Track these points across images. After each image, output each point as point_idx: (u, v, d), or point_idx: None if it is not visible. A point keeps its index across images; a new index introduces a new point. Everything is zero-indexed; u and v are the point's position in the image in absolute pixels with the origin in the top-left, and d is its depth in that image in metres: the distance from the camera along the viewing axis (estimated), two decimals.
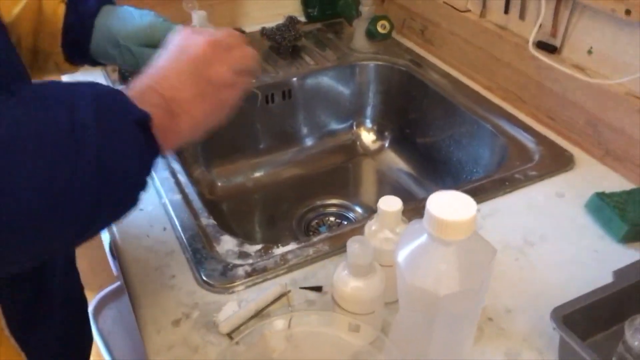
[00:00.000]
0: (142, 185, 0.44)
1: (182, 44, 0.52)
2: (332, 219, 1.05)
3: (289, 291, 0.62)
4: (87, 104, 0.39)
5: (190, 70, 0.49)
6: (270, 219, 1.06)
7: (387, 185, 1.12)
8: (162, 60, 0.51)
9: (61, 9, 0.60)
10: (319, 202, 1.08)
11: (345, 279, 0.53)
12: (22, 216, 0.35)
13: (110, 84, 1.03)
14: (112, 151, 0.39)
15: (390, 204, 0.55)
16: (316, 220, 1.05)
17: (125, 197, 0.43)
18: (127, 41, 0.60)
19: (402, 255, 0.43)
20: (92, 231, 0.42)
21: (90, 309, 1.25)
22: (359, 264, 0.52)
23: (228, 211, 1.03)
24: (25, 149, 0.36)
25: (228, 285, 0.63)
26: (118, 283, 1.25)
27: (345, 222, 1.04)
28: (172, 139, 0.48)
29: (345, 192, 1.10)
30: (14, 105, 0.37)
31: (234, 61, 0.52)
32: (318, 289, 0.63)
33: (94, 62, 0.65)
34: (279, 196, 1.09)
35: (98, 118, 0.39)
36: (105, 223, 0.44)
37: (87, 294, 0.68)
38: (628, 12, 0.72)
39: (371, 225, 0.58)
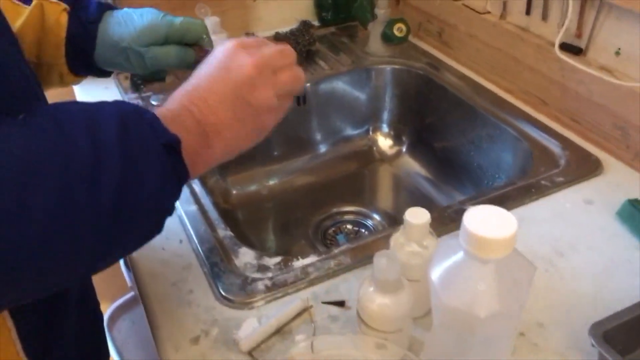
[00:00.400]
0: (167, 212, 0.42)
1: (227, 63, 0.48)
2: (349, 226, 1.03)
3: (311, 306, 0.60)
4: (111, 127, 0.37)
5: (233, 95, 0.46)
6: (286, 227, 1.04)
7: (405, 192, 1.10)
8: (204, 77, 0.47)
9: (64, 18, 0.58)
10: (335, 210, 1.05)
11: (371, 295, 0.51)
12: (40, 247, 0.34)
13: (122, 92, 1.02)
14: (135, 178, 0.37)
15: (418, 216, 0.53)
16: (333, 229, 1.03)
17: (148, 224, 0.41)
18: (132, 43, 0.58)
19: (436, 273, 0.41)
20: (111, 259, 0.40)
21: (104, 320, 1.24)
22: (386, 280, 0.49)
23: (243, 220, 1.01)
24: (44, 179, 0.34)
25: (248, 301, 0.61)
26: (132, 293, 1.24)
27: (363, 230, 1.01)
28: (203, 163, 0.45)
29: (362, 199, 1.08)
30: (33, 129, 0.35)
31: (280, 85, 0.49)
32: (341, 303, 0.61)
33: (99, 72, 0.63)
34: (294, 204, 1.07)
35: (122, 144, 0.37)
36: (127, 251, 0.42)
37: (101, 303, 0.66)
38: None
39: (397, 238, 0.55)
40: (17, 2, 0.56)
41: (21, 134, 0.35)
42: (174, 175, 0.41)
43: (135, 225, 0.39)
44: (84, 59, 0.60)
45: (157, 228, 0.42)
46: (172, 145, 0.40)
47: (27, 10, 0.56)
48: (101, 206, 0.36)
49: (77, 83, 0.65)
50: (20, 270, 0.34)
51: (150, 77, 1.02)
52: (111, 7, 0.62)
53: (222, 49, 0.49)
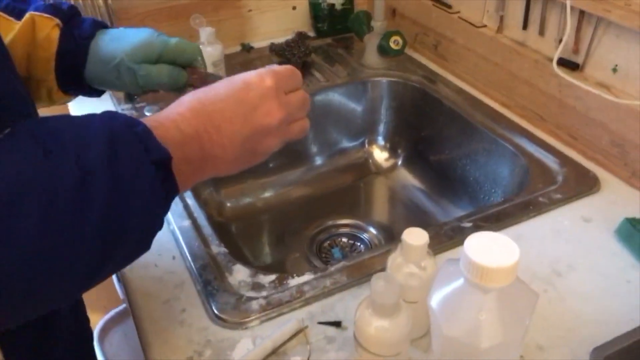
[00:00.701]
0: (155, 229, 0.41)
1: (257, 103, 0.47)
2: (344, 240, 1.02)
3: (306, 327, 0.59)
4: (99, 145, 0.36)
5: (246, 138, 0.46)
6: (281, 240, 1.03)
7: (401, 205, 1.09)
8: (228, 104, 0.46)
9: (55, 33, 0.57)
10: (330, 223, 1.04)
11: (368, 318, 0.49)
12: (26, 273, 0.33)
13: (116, 103, 1.01)
14: (122, 199, 0.36)
15: (416, 236, 0.52)
16: (328, 242, 1.01)
17: (136, 243, 0.40)
18: (125, 59, 0.57)
19: (436, 300, 0.40)
20: (100, 278, 0.38)
21: (95, 332, 1.22)
22: (384, 303, 0.48)
23: (237, 233, 1.00)
24: (28, 205, 0.33)
25: (242, 320, 0.59)
26: (123, 305, 1.22)
27: (359, 244, 1.00)
28: (192, 182, 0.45)
29: (358, 211, 1.07)
30: (16, 153, 0.34)
31: (289, 136, 0.50)
32: (337, 324, 0.59)
33: (89, 91, 0.62)
34: (288, 217, 1.05)
35: (110, 163, 0.36)
36: (115, 269, 0.41)
37: (91, 315, 0.64)
38: None
39: (395, 258, 0.54)
40: (8, 17, 0.55)
41: (3, 158, 0.33)
42: (163, 191, 0.40)
43: (124, 244, 0.38)
44: (74, 76, 0.59)
45: (146, 245, 0.41)
46: (162, 161, 0.39)
47: (18, 25, 0.55)
48: (88, 229, 0.35)
49: (65, 102, 0.62)
50: (7, 296, 0.33)
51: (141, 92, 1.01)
52: (106, 26, 0.61)
53: (258, 82, 0.47)
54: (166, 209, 0.42)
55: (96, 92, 0.62)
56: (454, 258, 0.41)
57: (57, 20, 0.56)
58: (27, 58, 0.56)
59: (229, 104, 0.46)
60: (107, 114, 0.40)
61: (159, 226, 0.41)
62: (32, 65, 0.56)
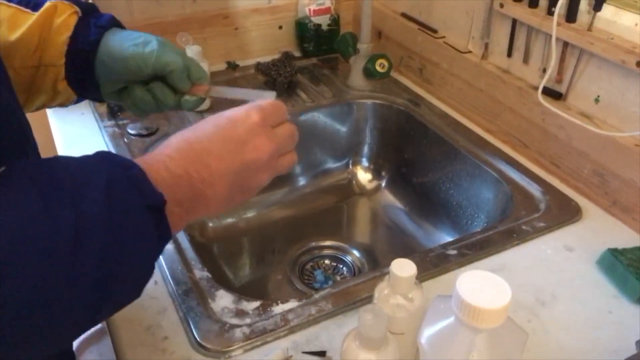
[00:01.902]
0: (148, 276, 0.40)
1: (246, 139, 0.47)
2: (327, 262, 1.01)
3: (291, 356, 0.58)
4: (97, 196, 0.35)
5: (236, 174, 0.46)
6: (262, 261, 1.02)
7: (384, 227, 1.09)
8: (215, 142, 0.45)
9: (73, 19, 0.56)
10: (313, 244, 1.04)
11: (355, 350, 0.49)
12: (18, 322, 0.32)
13: (98, 119, 0.99)
14: (118, 250, 0.36)
15: (404, 268, 0.52)
16: (311, 263, 1.01)
17: (128, 291, 0.39)
18: (135, 48, 0.56)
19: (426, 337, 0.39)
20: (94, 324, 0.38)
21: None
22: (371, 337, 0.48)
23: (219, 254, 0.99)
24: (24, 254, 0.32)
25: (225, 349, 0.58)
26: (99, 325, 1.19)
27: (341, 266, 1.00)
28: (185, 222, 0.44)
29: (340, 233, 1.07)
30: (12, 200, 0.33)
31: (279, 169, 0.50)
32: (322, 354, 0.59)
33: (94, 90, 0.59)
34: (271, 237, 1.05)
35: (107, 214, 0.35)
36: (104, 317, 0.40)
37: None
38: (639, 64, 0.70)
39: (382, 289, 0.54)
40: (24, 9, 0.54)
41: (3, 199, 0.33)
42: (156, 236, 0.39)
43: (118, 290, 0.37)
44: (84, 66, 0.57)
45: (137, 294, 0.40)
46: (156, 206, 0.39)
47: (34, 16, 0.54)
48: (84, 276, 0.34)
49: (66, 100, 0.60)
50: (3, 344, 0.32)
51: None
52: (122, 26, 0.60)
53: (245, 118, 0.47)
54: (159, 253, 0.41)
55: (99, 94, 0.60)
56: (444, 295, 0.41)
57: (77, 8, 0.56)
58: (42, 43, 0.54)
59: (217, 141, 0.45)
60: (102, 155, 0.39)
61: (151, 272, 0.40)
62: (45, 51, 0.55)
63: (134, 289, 0.40)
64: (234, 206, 0.49)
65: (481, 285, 0.37)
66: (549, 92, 0.85)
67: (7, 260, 0.31)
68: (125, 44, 0.56)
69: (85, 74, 0.58)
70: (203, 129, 0.46)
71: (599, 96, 0.80)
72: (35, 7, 0.55)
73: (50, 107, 0.61)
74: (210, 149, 0.45)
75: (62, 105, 0.61)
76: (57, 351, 0.55)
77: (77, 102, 0.62)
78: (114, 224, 0.35)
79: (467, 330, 0.38)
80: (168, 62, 0.56)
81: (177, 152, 0.43)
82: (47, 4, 0.55)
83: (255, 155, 0.46)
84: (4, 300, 0.31)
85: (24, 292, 0.31)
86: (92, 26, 0.56)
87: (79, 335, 0.38)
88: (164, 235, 0.40)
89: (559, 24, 0.78)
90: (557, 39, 0.80)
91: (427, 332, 0.40)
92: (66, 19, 0.55)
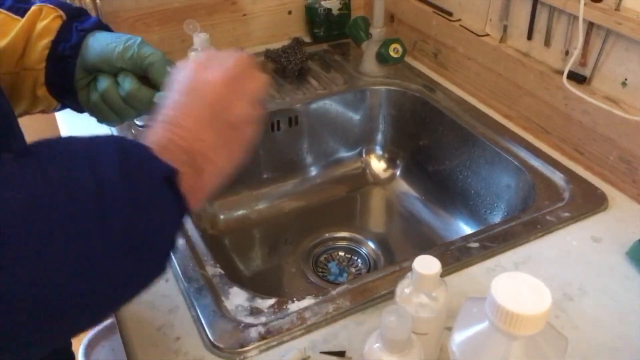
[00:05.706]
0: (171, 247, 0.39)
1: (193, 85, 0.46)
2: (341, 253, 0.99)
3: (309, 357, 0.56)
4: (111, 161, 0.35)
5: (210, 115, 0.44)
6: (275, 253, 1.00)
7: (399, 217, 1.06)
8: (175, 105, 0.45)
9: (56, 24, 0.56)
10: (326, 235, 1.01)
11: (377, 353, 0.46)
12: (52, 293, 0.31)
13: None
14: (142, 215, 0.35)
15: (428, 265, 0.49)
16: (325, 255, 0.98)
17: (155, 262, 0.38)
18: (121, 44, 0.55)
19: (457, 342, 0.37)
20: (117, 306, 0.37)
21: (82, 347, 1.18)
22: (395, 339, 0.45)
23: (231, 247, 0.97)
24: (48, 218, 0.31)
25: (239, 350, 0.56)
26: (110, 320, 1.18)
27: (357, 258, 0.97)
28: (199, 194, 0.43)
29: (354, 224, 1.04)
30: (29, 166, 0.33)
31: (251, 94, 0.47)
32: (341, 354, 0.56)
33: (72, 98, 0.58)
34: (283, 229, 1.02)
35: (124, 177, 0.35)
36: (133, 294, 0.38)
37: None
38: None
39: (404, 288, 0.51)
40: (13, 15, 0.54)
41: (23, 175, 0.32)
42: (177, 211, 0.39)
43: (144, 263, 0.37)
44: (64, 71, 0.56)
45: (163, 266, 0.39)
46: (171, 178, 0.38)
47: (22, 21, 0.54)
48: (111, 241, 0.33)
49: (44, 107, 0.59)
50: (29, 322, 0.31)
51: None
52: (109, 29, 0.59)
53: (183, 74, 0.47)
54: (180, 226, 0.40)
55: (78, 103, 0.59)
56: (475, 297, 0.38)
57: (61, 12, 0.56)
58: (23, 48, 0.54)
59: (175, 105, 0.44)
60: (112, 135, 0.39)
61: (175, 244, 0.40)
62: (27, 55, 0.55)
63: (161, 259, 0.39)
64: (233, 150, 0.47)
65: (518, 288, 0.34)
66: (572, 76, 0.82)
67: (35, 222, 0.30)
68: (108, 39, 0.56)
69: (64, 80, 0.57)
70: (164, 105, 0.45)
71: (626, 79, 0.76)
72: (24, 13, 0.55)
73: (31, 114, 0.60)
74: (174, 114, 0.44)
75: (44, 112, 0.60)
76: (57, 349, 0.53)
77: (60, 109, 0.61)
78: (133, 190, 0.35)
79: (503, 336, 0.35)
80: (148, 53, 0.56)
81: (150, 131, 0.43)
82: (33, 7, 0.55)
83: (211, 90, 0.45)
84: (42, 273, 0.30)
85: (57, 257, 0.31)
86: (74, 30, 0.56)
87: (107, 312, 0.38)
88: (183, 206, 0.40)
89: (585, 4, 0.74)
90: (583, 20, 0.76)
91: (459, 338, 0.37)
92: (49, 22, 0.55)
